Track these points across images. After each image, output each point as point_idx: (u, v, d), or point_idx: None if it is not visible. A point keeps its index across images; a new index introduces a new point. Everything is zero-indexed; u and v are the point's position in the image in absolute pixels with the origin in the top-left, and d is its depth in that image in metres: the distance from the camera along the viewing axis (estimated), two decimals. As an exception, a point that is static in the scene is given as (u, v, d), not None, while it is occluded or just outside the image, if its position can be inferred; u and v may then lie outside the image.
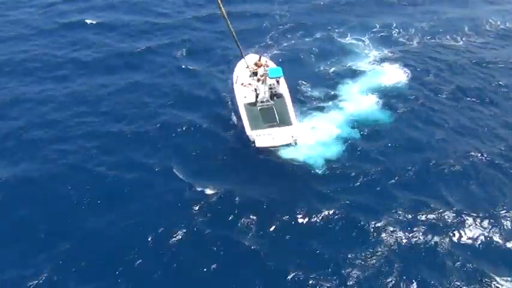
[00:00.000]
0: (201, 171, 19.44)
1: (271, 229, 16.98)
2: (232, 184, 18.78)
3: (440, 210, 17.82)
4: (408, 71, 26.27)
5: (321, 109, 22.84)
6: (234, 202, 17.94)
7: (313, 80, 25.15)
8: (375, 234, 16.88)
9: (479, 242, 16.83)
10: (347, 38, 29.65)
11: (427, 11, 33.81)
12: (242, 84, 22.48)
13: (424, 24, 31.58)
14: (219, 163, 19.92)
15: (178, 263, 15.73)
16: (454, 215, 17.68)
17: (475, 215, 17.74)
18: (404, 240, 16.70)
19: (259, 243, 16.44)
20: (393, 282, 15.36)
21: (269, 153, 20.31)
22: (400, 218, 17.52)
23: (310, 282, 15.22)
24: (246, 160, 20.26)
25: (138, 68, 26.33)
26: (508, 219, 17.59)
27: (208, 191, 18.28)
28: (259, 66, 22.72)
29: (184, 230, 16.74)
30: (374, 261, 15.95)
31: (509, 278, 15.55)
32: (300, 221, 17.32)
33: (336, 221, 17.27)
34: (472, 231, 17.14)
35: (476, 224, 17.39)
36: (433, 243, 16.65)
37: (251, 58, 23.82)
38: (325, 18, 32.13)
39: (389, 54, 27.97)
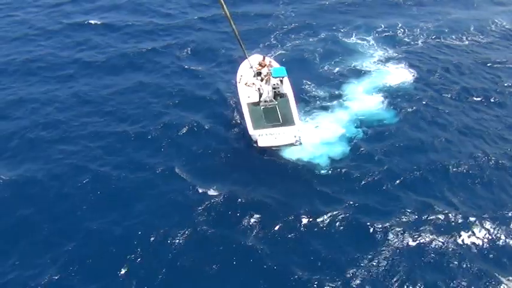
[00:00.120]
0: (205, 171, 19.38)
1: (275, 229, 16.87)
2: (235, 184, 18.71)
3: (446, 212, 17.65)
4: (413, 71, 26.11)
5: (325, 108, 22.74)
6: (237, 202, 17.85)
7: (317, 79, 25.04)
8: (379, 235, 16.74)
9: (485, 243, 16.68)
10: (352, 38, 29.52)
11: (432, 11, 33.64)
12: (246, 83, 22.43)
13: (429, 25, 31.42)
14: (223, 163, 19.85)
15: (181, 263, 15.65)
16: (460, 216, 17.50)
17: (480, 216, 17.56)
18: (409, 242, 16.55)
19: (262, 243, 16.33)
20: (398, 283, 15.22)
21: (273, 153, 20.22)
22: (405, 219, 17.37)
23: (313, 283, 15.08)
24: (249, 160, 20.19)
25: (142, 68, 26.32)
26: (514, 220, 17.42)
27: (212, 191, 18.21)
28: (263, 66, 22.67)
29: (187, 230, 16.67)
30: (379, 262, 15.82)
31: (515, 280, 15.39)
32: (304, 221, 17.20)
33: (340, 222, 17.13)
34: (478, 233, 16.97)
35: (481, 225, 17.22)
36: (438, 244, 16.50)
37: (255, 58, 23.74)
38: (329, 18, 32.00)
39: (394, 54, 27.81)
